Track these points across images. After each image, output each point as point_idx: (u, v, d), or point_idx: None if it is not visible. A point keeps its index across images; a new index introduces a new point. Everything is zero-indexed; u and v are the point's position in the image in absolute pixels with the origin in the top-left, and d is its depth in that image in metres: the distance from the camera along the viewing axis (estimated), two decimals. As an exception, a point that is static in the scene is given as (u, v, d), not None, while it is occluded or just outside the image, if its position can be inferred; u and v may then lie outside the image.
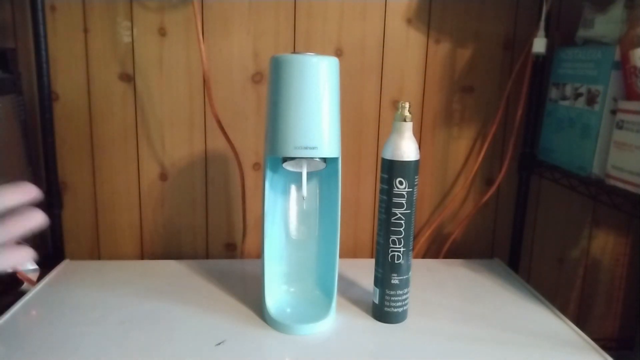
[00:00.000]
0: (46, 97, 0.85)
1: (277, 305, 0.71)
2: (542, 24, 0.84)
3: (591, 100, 0.75)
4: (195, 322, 0.69)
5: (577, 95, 0.79)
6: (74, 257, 0.92)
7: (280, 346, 0.64)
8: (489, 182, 0.97)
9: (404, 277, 0.69)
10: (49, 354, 0.61)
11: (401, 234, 0.68)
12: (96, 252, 0.95)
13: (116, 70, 0.88)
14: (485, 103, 0.94)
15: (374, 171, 0.95)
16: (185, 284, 0.81)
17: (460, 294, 0.81)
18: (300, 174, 0.67)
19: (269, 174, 0.69)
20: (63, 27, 0.86)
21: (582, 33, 0.81)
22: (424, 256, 1.00)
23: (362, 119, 0.93)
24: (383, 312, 0.70)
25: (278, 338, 0.66)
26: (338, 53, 0.90)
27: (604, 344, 0.70)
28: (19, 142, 0.80)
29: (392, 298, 0.69)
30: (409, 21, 0.90)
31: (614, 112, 0.72)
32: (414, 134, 0.68)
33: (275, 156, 0.66)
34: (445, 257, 0.98)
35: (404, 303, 0.70)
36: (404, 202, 0.67)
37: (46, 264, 0.86)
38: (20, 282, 0.82)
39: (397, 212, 0.67)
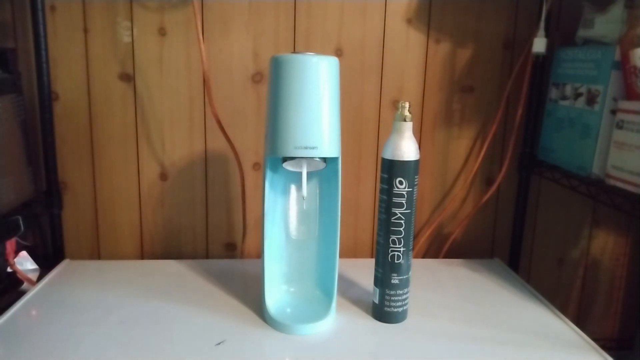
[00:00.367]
0: (46, 97, 0.85)
1: (277, 305, 0.71)
2: (542, 24, 0.84)
3: (591, 100, 0.75)
4: (195, 322, 0.69)
5: (577, 95, 0.79)
6: (74, 257, 0.92)
7: (280, 346, 0.64)
8: (489, 182, 0.97)
9: (404, 277, 0.69)
10: (49, 354, 0.61)
11: (401, 234, 0.68)
12: (96, 252, 0.95)
13: (116, 70, 0.88)
14: (485, 103, 0.94)
15: (374, 171, 0.95)
16: (185, 284, 0.81)
17: (460, 294, 0.81)
18: (300, 174, 0.67)
19: (269, 174, 0.69)
20: (63, 27, 0.86)
21: (582, 33, 0.81)
22: (424, 256, 1.00)
23: (362, 119, 0.93)
24: (383, 312, 0.70)
25: (278, 338, 0.66)
26: (338, 53, 0.90)
27: (604, 344, 0.70)
28: (19, 142, 0.80)
29: (392, 298, 0.69)
30: (409, 21, 0.90)
31: (614, 112, 0.72)
32: (414, 134, 0.68)
33: (275, 156, 0.66)
34: (445, 257, 0.98)
35: (404, 303, 0.70)
36: (404, 202, 0.67)
37: (46, 264, 0.86)
38: (20, 282, 0.82)
39: (397, 212, 0.67)
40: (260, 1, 0.87)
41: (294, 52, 0.89)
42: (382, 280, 0.70)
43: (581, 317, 1.04)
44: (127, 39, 0.87)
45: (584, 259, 1.01)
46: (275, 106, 0.64)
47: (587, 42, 0.81)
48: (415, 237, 0.97)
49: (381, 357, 0.63)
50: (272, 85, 0.64)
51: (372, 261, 0.72)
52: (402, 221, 0.67)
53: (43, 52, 0.84)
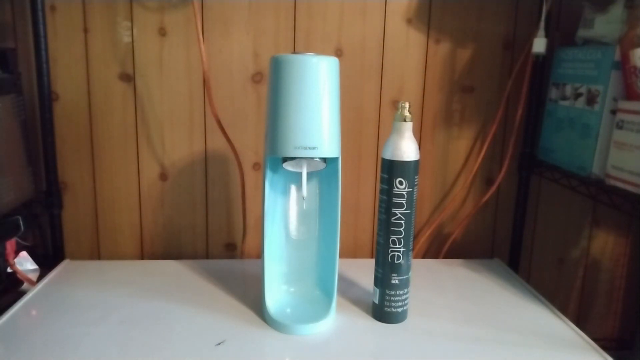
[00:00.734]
0: (46, 97, 0.85)
1: (277, 305, 0.71)
2: (542, 24, 0.84)
3: (591, 100, 0.75)
4: (195, 322, 0.69)
5: (577, 95, 0.79)
6: (74, 257, 0.92)
7: (280, 346, 0.64)
8: (489, 182, 0.97)
9: (404, 277, 0.69)
10: (49, 354, 0.61)
11: (401, 234, 0.68)
12: (96, 252, 0.95)
13: (116, 70, 0.88)
14: (485, 103, 0.94)
15: (374, 171, 0.95)
16: (185, 284, 0.81)
17: (460, 294, 0.81)
18: (300, 174, 0.67)
19: (269, 174, 0.69)
20: (63, 27, 0.86)
21: (582, 33, 0.81)
22: (424, 256, 1.00)
23: (362, 119, 0.93)
24: (383, 312, 0.70)
25: (278, 338, 0.66)
26: (338, 53, 0.90)
27: (604, 344, 0.70)
28: (19, 142, 0.80)
29: (392, 298, 0.70)
30: (409, 21, 0.90)
31: (614, 112, 0.72)
32: (414, 134, 0.68)
33: (275, 156, 0.66)
34: (445, 257, 0.98)
35: (404, 303, 0.70)
36: (404, 202, 0.67)
37: (46, 264, 0.86)
38: (20, 282, 0.82)
39: (397, 212, 0.67)
40: (260, 1, 0.87)
41: (294, 52, 0.89)
42: (382, 281, 0.70)
43: (581, 317, 1.04)
44: (127, 39, 0.87)
45: (584, 259, 1.01)
46: (276, 106, 0.64)
47: (587, 42, 0.81)
48: (415, 237, 0.97)
49: (381, 357, 0.63)
50: (272, 85, 0.64)
51: (372, 261, 0.72)
52: (402, 221, 0.67)
53: (43, 52, 0.84)
